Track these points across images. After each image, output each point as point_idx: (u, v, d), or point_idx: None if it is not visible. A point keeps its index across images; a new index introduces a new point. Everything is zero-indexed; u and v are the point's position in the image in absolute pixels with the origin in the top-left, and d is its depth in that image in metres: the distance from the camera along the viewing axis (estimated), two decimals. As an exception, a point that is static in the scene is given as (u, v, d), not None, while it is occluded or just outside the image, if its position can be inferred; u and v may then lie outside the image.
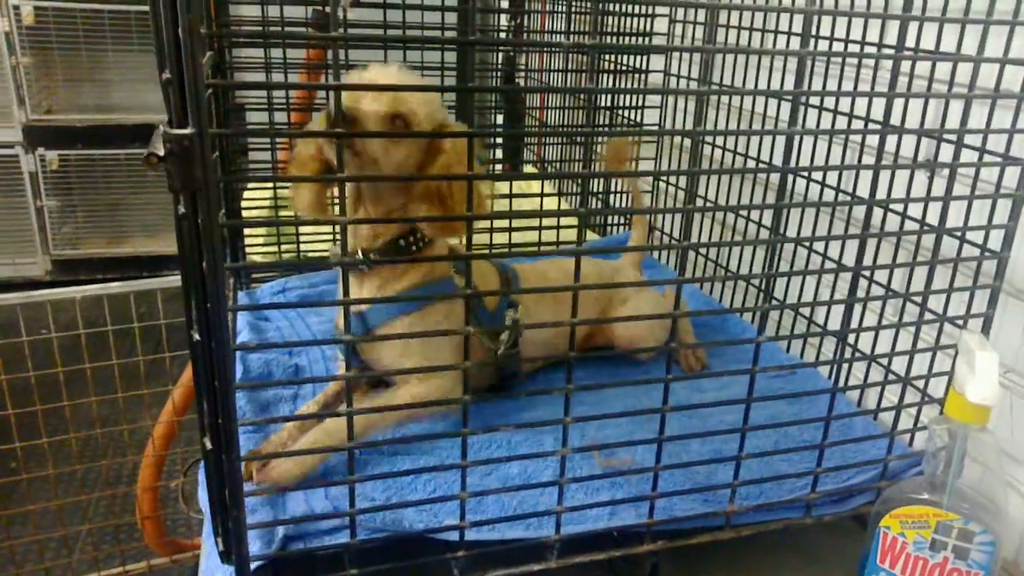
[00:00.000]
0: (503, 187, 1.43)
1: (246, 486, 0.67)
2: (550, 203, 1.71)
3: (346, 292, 0.65)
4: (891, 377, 0.96)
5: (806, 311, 1.19)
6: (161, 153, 0.53)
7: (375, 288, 0.96)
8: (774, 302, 1.23)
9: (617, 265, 1.27)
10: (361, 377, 1.01)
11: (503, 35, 1.89)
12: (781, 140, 0.75)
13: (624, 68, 1.60)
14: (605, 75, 1.61)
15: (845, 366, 1.05)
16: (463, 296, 0.67)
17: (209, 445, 0.65)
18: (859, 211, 1.11)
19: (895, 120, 0.77)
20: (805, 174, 1.15)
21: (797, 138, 0.73)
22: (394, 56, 1.34)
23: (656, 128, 1.57)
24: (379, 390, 1.01)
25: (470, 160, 0.66)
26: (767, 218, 1.26)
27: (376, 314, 0.95)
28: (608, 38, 1.59)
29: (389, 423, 0.90)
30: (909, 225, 0.96)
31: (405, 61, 1.34)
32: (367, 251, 0.94)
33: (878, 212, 1.00)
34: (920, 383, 0.92)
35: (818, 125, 1.12)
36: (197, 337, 0.61)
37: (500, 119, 2.01)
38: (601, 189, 1.70)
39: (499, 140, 2.05)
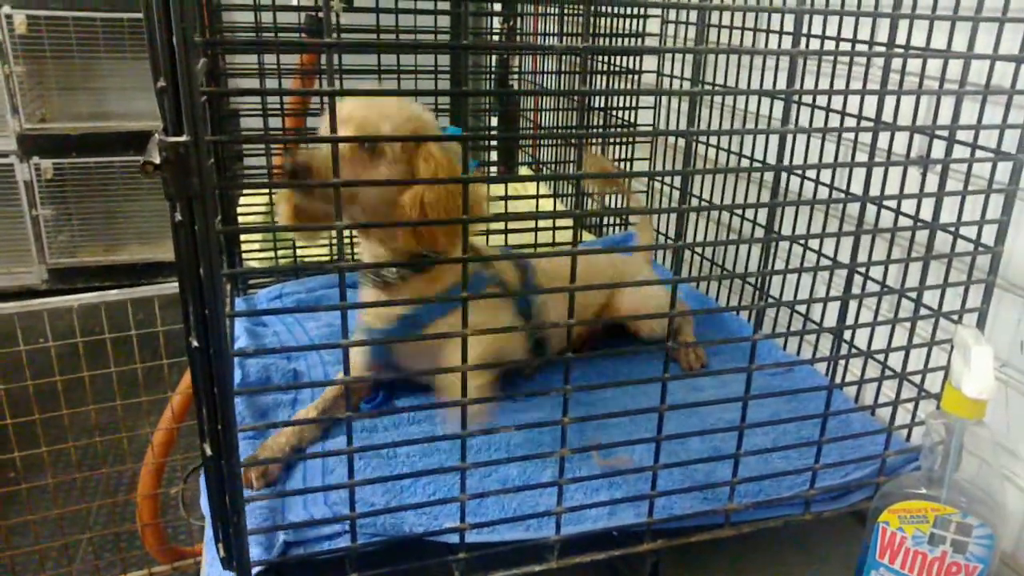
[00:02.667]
0: (498, 190, 1.43)
1: (246, 492, 0.67)
2: (545, 205, 1.71)
3: (343, 296, 0.65)
4: (887, 373, 0.96)
5: (802, 308, 1.19)
6: (157, 161, 0.53)
7: (394, 311, 0.98)
8: (770, 300, 1.23)
9: (629, 259, 1.30)
10: (363, 381, 1.02)
11: (496, 38, 1.89)
12: (774, 139, 0.75)
13: (617, 69, 1.61)
14: (598, 76, 1.62)
15: (842, 363, 1.06)
16: (463, 299, 0.68)
17: (209, 451, 0.65)
18: (853, 208, 1.12)
19: (887, 117, 0.78)
20: (799, 172, 1.15)
21: (790, 136, 0.73)
22: (387, 60, 1.34)
23: (650, 128, 1.58)
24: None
25: (465, 164, 0.66)
26: (762, 216, 1.26)
27: (427, 314, 0.97)
28: (600, 39, 1.59)
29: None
30: (903, 221, 0.96)
31: (399, 65, 1.35)
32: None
33: (872, 209, 1.00)
34: (916, 378, 0.92)
35: (811, 123, 1.12)
36: (195, 343, 0.61)
37: (494, 121, 2.01)
38: (596, 190, 1.71)
39: (493, 143, 2.04)
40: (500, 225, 1.43)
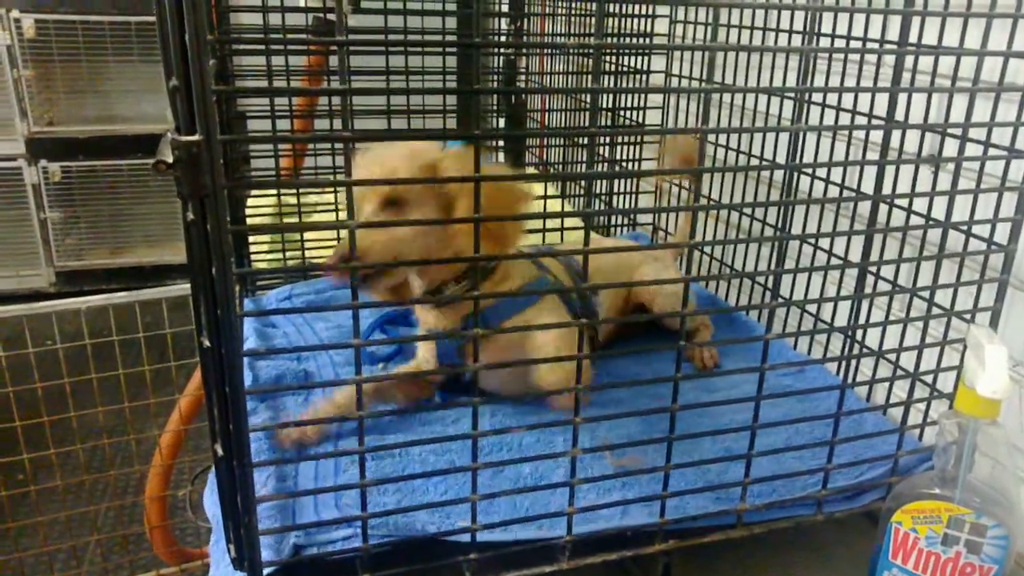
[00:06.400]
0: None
1: (258, 492, 0.67)
2: (554, 205, 1.71)
3: (355, 296, 0.65)
4: (900, 373, 0.96)
5: (813, 308, 1.19)
6: (169, 160, 0.53)
7: (458, 316, 0.99)
8: (781, 300, 1.23)
9: (658, 255, 1.31)
10: (378, 380, 1.02)
11: (503, 39, 1.89)
12: (785, 138, 0.75)
13: (626, 69, 1.60)
14: (607, 76, 1.61)
15: (854, 362, 1.05)
16: (477, 296, 0.67)
17: (220, 452, 0.65)
18: (864, 207, 1.11)
19: (899, 116, 0.77)
20: (810, 171, 1.15)
21: (801, 135, 0.73)
22: (396, 61, 1.34)
23: (659, 128, 1.57)
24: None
25: (476, 164, 0.66)
26: (772, 216, 1.26)
27: (494, 314, 0.98)
28: (609, 39, 1.59)
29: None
30: (915, 220, 0.96)
31: (407, 66, 1.35)
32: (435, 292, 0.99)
33: (884, 208, 0.99)
34: (929, 378, 0.92)
35: (822, 122, 1.12)
36: (207, 343, 0.61)
37: (502, 123, 2.01)
38: (604, 190, 1.70)
39: (501, 143, 2.04)
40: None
